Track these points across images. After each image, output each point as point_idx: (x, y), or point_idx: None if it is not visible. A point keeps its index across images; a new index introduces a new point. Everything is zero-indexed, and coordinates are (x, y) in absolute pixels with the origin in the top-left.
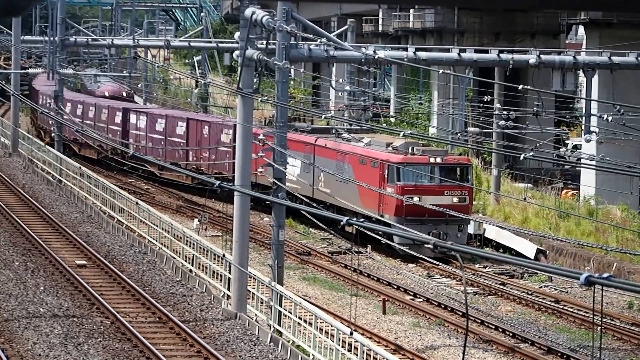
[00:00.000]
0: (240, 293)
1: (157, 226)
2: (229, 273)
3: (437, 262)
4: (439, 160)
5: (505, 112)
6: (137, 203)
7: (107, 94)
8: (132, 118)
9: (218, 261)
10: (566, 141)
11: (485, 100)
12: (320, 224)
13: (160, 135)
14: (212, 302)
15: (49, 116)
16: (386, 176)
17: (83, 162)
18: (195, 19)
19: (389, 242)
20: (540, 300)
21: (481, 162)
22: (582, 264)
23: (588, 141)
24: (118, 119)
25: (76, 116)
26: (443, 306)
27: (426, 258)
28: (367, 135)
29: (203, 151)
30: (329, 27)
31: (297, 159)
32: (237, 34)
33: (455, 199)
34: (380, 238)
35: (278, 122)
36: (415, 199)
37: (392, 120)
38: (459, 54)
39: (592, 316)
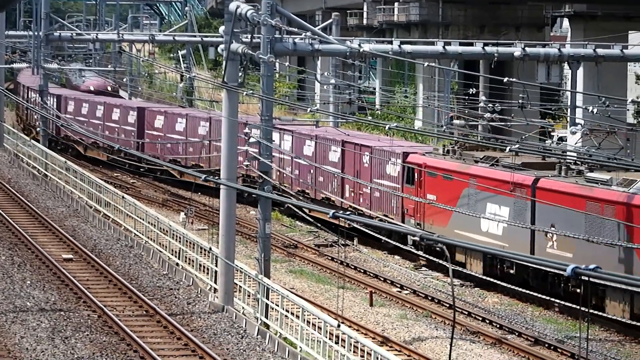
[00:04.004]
0: (227, 286)
1: (143, 220)
2: (216, 266)
3: None
4: None
5: (490, 105)
6: (123, 197)
7: (92, 89)
8: (276, 138)
9: (204, 254)
10: (552, 133)
11: (470, 92)
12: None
13: (310, 160)
14: (199, 295)
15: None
16: None
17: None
18: (180, 13)
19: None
20: (527, 291)
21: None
22: None
23: (573, 133)
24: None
25: (175, 132)
26: (430, 298)
27: None
28: (633, 174)
29: (363, 186)
30: (313, 20)
31: (502, 207)
32: (221, 28)
33: None
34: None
35: (264, 115)
36: None
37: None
38: (443, 47)
39: (579, 307)
